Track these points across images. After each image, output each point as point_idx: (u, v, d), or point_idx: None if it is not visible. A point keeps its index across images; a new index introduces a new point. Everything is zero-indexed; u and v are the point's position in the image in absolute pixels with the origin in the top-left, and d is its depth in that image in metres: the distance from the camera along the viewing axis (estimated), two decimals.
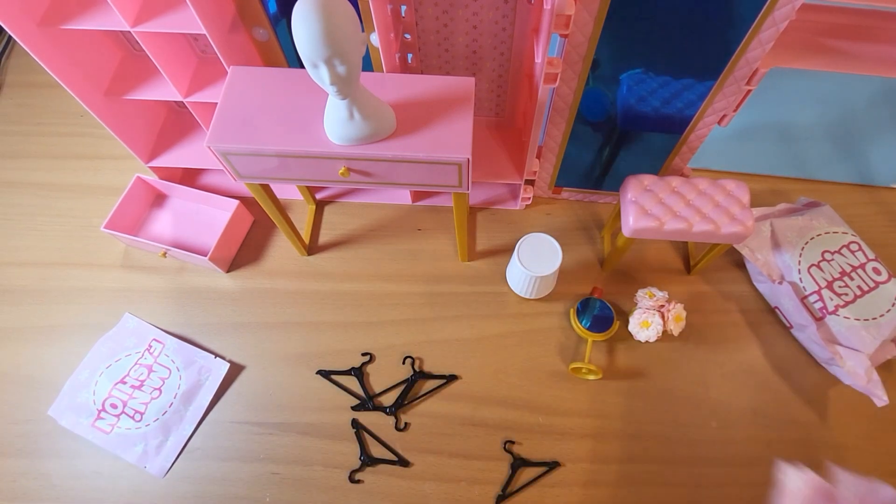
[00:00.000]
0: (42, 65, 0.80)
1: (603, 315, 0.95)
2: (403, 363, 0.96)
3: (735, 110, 0.84)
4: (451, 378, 0.94)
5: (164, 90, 0.91)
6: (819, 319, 0.92)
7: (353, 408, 0.92)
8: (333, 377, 0.95)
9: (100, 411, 0.91)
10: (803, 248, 0.97)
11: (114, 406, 0.91)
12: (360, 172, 0.75)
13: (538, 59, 0.75)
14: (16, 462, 0.89)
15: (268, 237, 1.08)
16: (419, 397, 0.93)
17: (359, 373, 0.95)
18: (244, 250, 1.07)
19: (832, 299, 0.92)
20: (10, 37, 1.30)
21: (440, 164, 0.73)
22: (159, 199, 1.10)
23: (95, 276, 1.04)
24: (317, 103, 0.73)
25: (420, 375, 0.94)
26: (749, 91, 0.80)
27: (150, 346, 0.96)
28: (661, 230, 0.84)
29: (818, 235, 0.97)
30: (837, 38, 0.79)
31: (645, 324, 0.93)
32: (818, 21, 0.79)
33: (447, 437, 0.90)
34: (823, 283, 0.93)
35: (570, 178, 1.06)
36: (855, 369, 0.87)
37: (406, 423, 0.92)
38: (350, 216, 1.10)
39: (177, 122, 1.09)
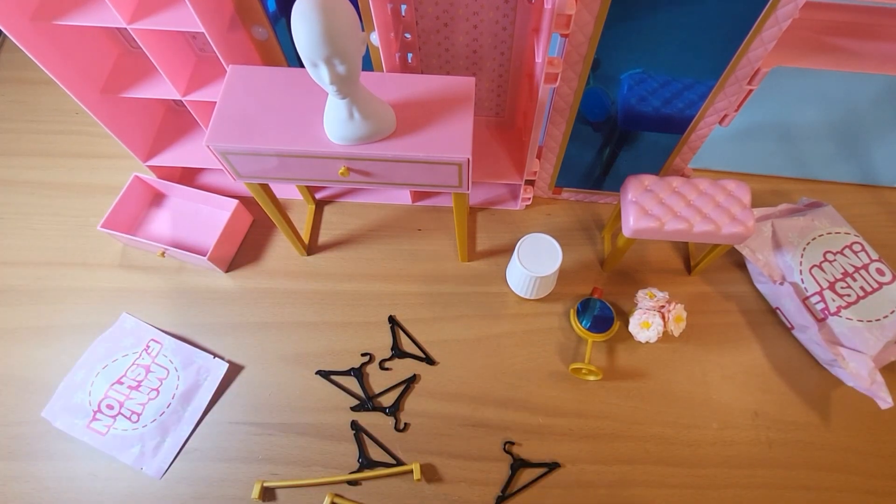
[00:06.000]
0: (35, 61, 0.79)
1: (603, 315, 0.95)
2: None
3: (736, 110, 0.84)
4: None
5: (162, 89, 0.90)
6: (821, 320, 0.92)
7: (353, 408, 0.92)
8: (333, 377, 0.94)
9: (95, 412, 0.90)
10: (805, 248, 0.96)
11: (110, 407, 0.91)
12: (359, 172, 0.75)
13: (539, 59, 0.75)
14: (8, 465, 0.88)
15: (267, 237, 1.07)
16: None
17: (358, 373, 0.94)
18: (243, 250, 1.06)
19: (834, 300, 0.91)
20: (0, 31, 1.29)
21: (440, 164, 0.72)
22: (158, 199, 1.10)
23: (92, 276, 1.03)
24: (317, 103, 0.72)
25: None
26: (750, 91, 0.80)
27: (148, 346, 0.96)
28: (662, 230, 0.84)
29: (820, 236, 0.97)
30: (840, 35, 0.78)
31: (645, 324, 0.92)
32: (820, 19, 0.79)
33: (447, 438, 0.90)
34: (825, 284, 0.93)
35: (571, 178, 1.05)
36: (858, 371, 0.87)
37: (406, 424, 0.91)
38: (350, 216, 1.10)
39: (175, 121, 1.08)
